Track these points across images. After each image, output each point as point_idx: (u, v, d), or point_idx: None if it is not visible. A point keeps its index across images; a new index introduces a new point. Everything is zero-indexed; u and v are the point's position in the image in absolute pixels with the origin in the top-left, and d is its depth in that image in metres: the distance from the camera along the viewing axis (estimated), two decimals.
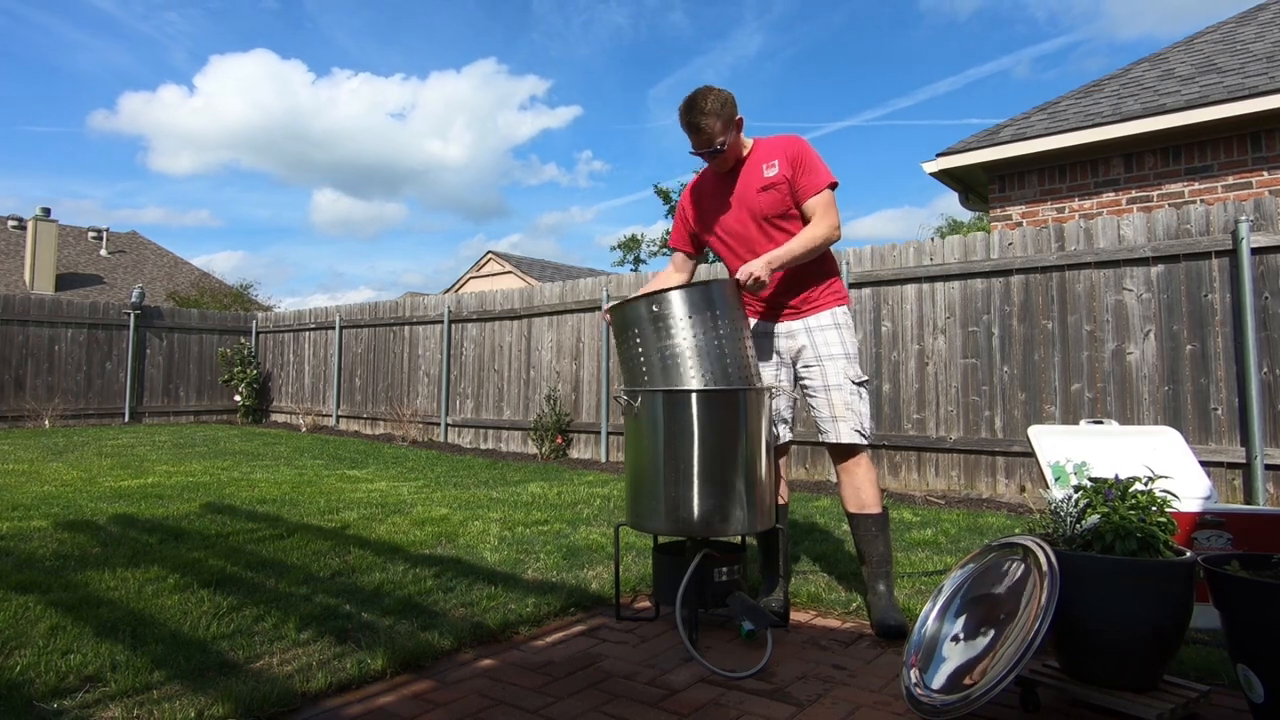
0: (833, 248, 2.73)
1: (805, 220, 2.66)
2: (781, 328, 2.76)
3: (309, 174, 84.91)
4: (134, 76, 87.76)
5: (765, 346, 2.77)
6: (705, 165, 2.80)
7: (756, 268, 2.48)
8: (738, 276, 2.51)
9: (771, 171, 2.65)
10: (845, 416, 2.64)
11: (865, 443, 2.66)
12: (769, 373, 2.76)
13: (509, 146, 79.19)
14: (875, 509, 2.64)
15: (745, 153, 2.72)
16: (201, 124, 76.44)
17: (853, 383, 2.66)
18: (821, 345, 2.68)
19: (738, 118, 2.65)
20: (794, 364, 2.76)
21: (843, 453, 2.68)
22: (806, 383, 2.73)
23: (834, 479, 6.25)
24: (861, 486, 2.66)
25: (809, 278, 2.71)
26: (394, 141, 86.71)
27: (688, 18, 66.55)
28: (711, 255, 3.12)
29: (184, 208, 78.59)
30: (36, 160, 66.98)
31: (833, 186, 2.64)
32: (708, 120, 2.57)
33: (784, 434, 2.78)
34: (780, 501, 2.76)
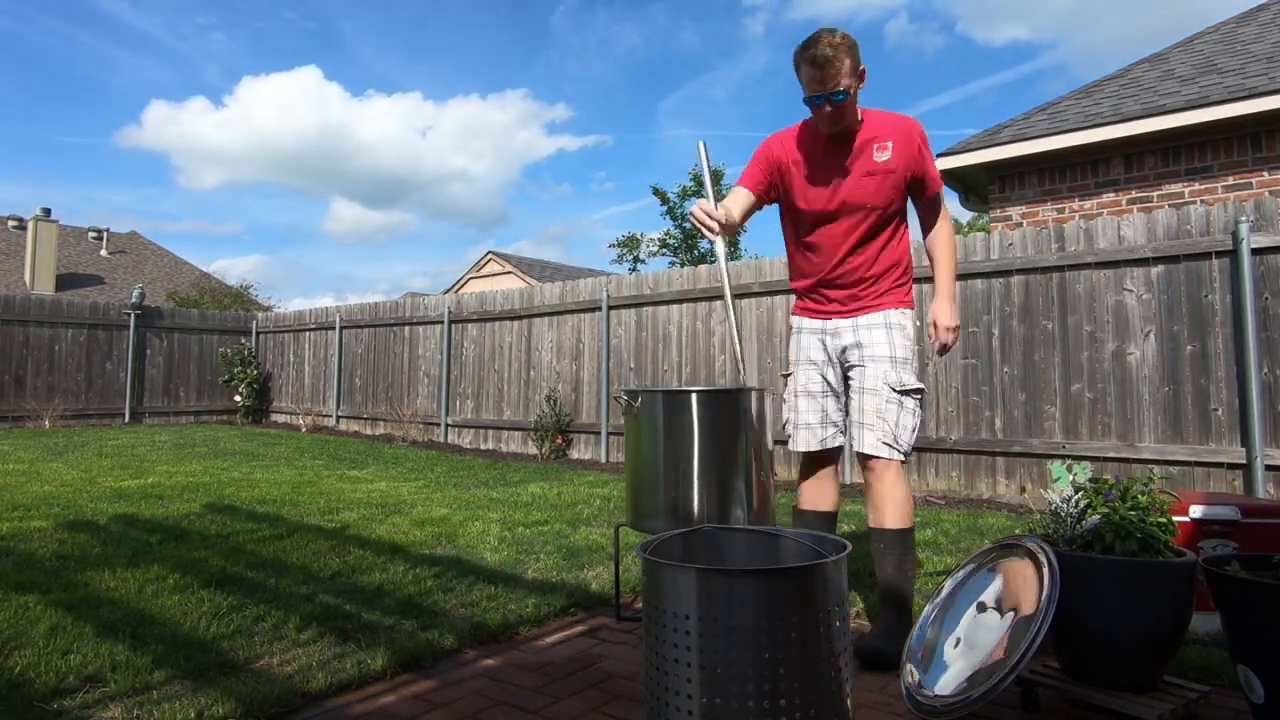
0: None
1: (925, 210, 2.53)
2: (829, 325, 2.54)
3: (329, 185, 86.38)
4: (169, 92, 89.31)
5: (809, 344, 2.57)
6: (805, 120, 2.46)
7: (943, 316, 2.48)
8: (941, 337, 2.48)
9: (883, 156, 2.37)
10: (873, 424, 2.41)
11: (895, 456, 2.39)
12: (809, 373, 2.55)
13: (524, 164, 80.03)
14: (894, 525, 2.38)
15: (857, 125, 2.40)
16: (230, 139, 78.09)
17: (892, 389, 2.41)
18: (867, 346, 2.46)
19: (861, 68, 2.31)
20: (841, 365, 2.54)
21: (867, 464, 2.44)
22: (850, 383, 2.52)
23: (845, 482, 6.24)
24: (883, 504, 2.39)
25: (871, 275, 2.48)
26: (415, 158, 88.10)
27: (698, 37, 67.73)
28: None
29: (199, 213, 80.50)
30: (69, 170, 68.88)
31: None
32: (836, 54, 2.21)
33: (825, 440, 2.54)
34: (823, 509, 2.58)
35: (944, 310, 2.49)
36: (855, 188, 2.41)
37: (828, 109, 2.31)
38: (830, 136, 2.41)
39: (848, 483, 6.13)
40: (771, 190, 2.55)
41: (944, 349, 2.51)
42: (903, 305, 2.54)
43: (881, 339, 2.47)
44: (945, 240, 2.55)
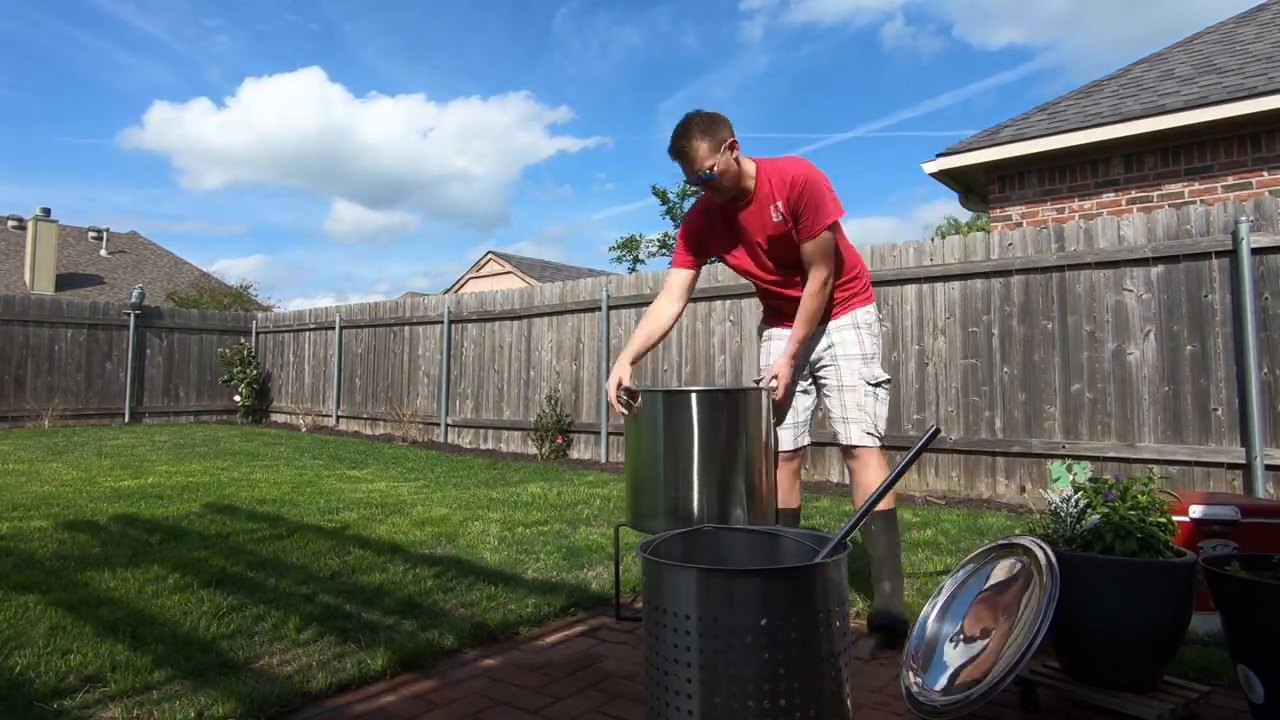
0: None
1: (804, 254, 2.51)
2: None
3: (331, 186, 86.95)
4: (173, 93, 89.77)
5: (779, 351, 2.69)
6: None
7: (783, 374, 2.48)
8: (769, 391, 2.47)
9: (778, 216, 2.49)
10: (857, 418, 2.59)
11: (876, 444, 2.60)
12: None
13: (525, 166, 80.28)
14: (883, 507, 2.57)
15: (751, 184, 2.51)
16: (233, 141, 78.78)
17: (868, 383, 2.60)
18: (839, 345, 2.63)
19: (729, 140, 2.42)
20: (813, 367, 2.70)
21: (853, 453, 2.63)
22: (823, 382, 2.68)
23: (834, 479, 6.25)
24: (869, 487, 2.58)
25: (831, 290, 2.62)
26: (416, 159, 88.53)
27: (699, 39, 68.09)
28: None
29: (202, 214, 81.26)
30: (72, 171, 69.58)
31: (832, 227, 2.45)
32: (690, 143, 2.41)
33: (797, 439, 2.73)
34: (793, 506, 2.76)
35: (784, 370, 2.50)
36: (770, 250, 2.57)
37: (707, 190, 2.51)
38: (730, 202, 2.55)
39: (849, 482, 6.13)
40: (703, 258, 2.75)
41: (783, 391, 2.52)
42: (866, 303, 2.71)
43: (852, 339, 2.64)
44: (807, 296, 2.51)
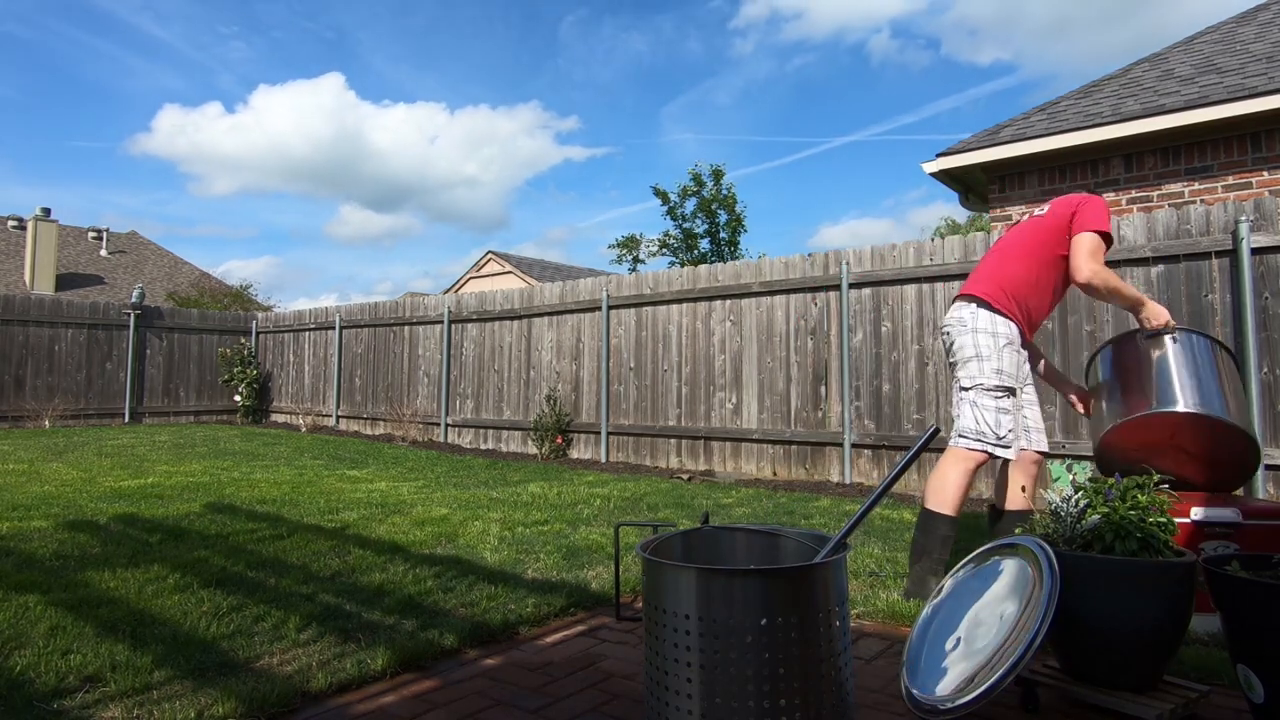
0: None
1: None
2: (1023, 352, 3.01)
3: (338, 190, 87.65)
4: (185, 98, 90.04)
5: (1025, 362, 3.02)
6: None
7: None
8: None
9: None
10: (1041, 428, 3.09)
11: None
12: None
13: (532, 173, 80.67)
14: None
15: None
16: (243, 145, 79.77)
17: None
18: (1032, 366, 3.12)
19: None
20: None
21: (1038, 458, 3.06)
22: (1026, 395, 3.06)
23: (834, 479, 6.25)
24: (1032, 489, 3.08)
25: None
26: (425, 166, 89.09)
27: (701, 44, 68.68)
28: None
29: (209, 218, 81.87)
30: (81, 175, 70.00)
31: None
32: None
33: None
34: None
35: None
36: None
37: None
38: None
39: (848, 482, 6.13)
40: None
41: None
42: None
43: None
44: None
